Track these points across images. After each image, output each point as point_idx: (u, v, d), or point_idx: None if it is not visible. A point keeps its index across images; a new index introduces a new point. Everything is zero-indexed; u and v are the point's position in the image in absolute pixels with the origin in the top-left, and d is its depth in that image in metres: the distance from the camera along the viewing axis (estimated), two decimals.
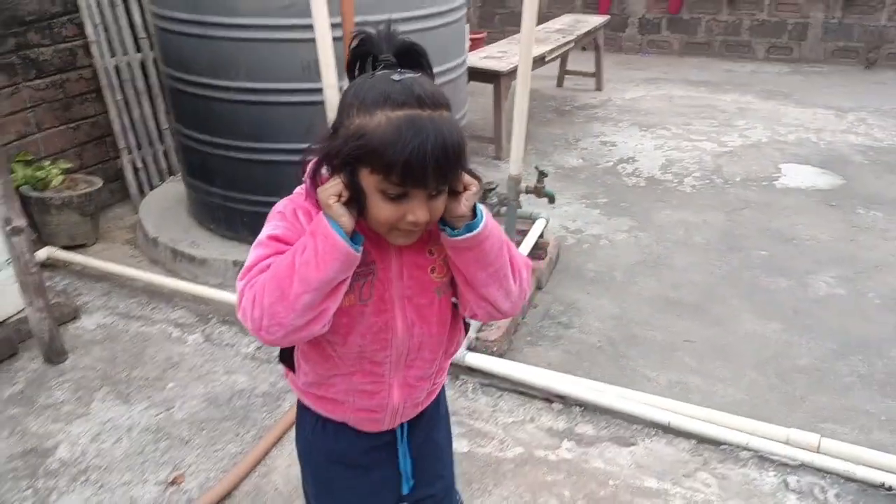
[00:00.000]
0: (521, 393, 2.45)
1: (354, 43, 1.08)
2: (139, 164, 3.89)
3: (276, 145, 3.04)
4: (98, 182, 3.55)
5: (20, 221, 2.44)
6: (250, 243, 3.36)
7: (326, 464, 1.33)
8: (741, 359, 2.63)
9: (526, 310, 2.90)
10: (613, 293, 3.08)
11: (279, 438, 2.26)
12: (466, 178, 1.06)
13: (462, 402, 2.42)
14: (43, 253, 3.23)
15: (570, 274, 3.23)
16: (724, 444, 2.18)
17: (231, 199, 3.20)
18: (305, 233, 1.05)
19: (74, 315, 2.90)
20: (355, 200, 1.03)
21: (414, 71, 1.04)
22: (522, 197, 3.16)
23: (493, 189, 3.24)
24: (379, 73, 1.03)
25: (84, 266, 3.22)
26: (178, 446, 2.26)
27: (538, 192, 2.88)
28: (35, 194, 3.35)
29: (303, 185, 1.11)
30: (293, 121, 3.00)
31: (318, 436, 1.31)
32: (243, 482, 2.11)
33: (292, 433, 2.26)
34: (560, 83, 6.27)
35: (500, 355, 2.59)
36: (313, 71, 2.41)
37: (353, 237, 1.03)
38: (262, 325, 1.05)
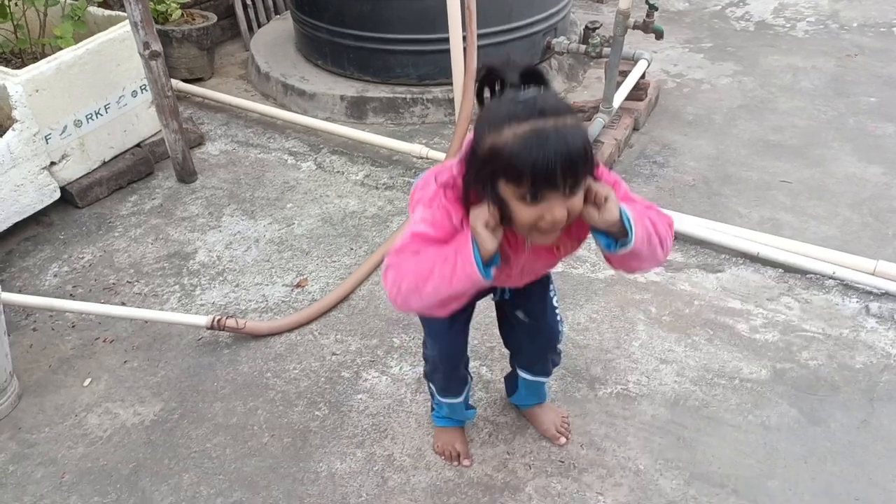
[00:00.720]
0: None
1: (481, 74, 1.20)
2: (248, 1, 4.01)
3: None
4: (213, 17, 3.71)
5: (157, 46, 2.64)
6: (356, 79, 3.60)
7: None
8: (837, 199, 2.66)
9: (621, 149, 2.97)
10: (711, 135, 3.09)
11: None
12: (602, 187, 1.17)
13: None
14: None
15: (668, 116, 3.24)
16: (811, 273, 2.28)
17: (338, 35, 3.31)
18: (450, 229, 1.22)
19: (200, 141, 3.16)
20: (502, 217, 1.17)
21: (536, 87, 1.15)
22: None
23: (597, 29, 3.21)
24: (505, 95, 1.15)
25: (204, 98, 3.44)
26: (299, 256, 2.52)
27: (646, 27, 2.84)
28: (158, 28, 3.52)
29: (446, 170, 1.26)
30: None
31: None
32: (360, 287, 2.36)
33: None
34: None
35: None
36: None
37: (491, 260, 1.18)
38: (397, 302, 1.26)
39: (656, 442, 1.83)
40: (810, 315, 2.16)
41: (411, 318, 2.22)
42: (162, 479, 1.81)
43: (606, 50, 3.00)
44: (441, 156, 2.81)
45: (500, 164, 1.10)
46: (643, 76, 3.16)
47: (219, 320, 2.15)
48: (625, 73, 3.12)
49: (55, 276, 2.47)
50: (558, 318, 1.65)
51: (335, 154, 3.05)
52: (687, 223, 2.48)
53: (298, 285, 2.40)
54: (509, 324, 1.68)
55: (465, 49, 2.71)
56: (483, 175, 1.14)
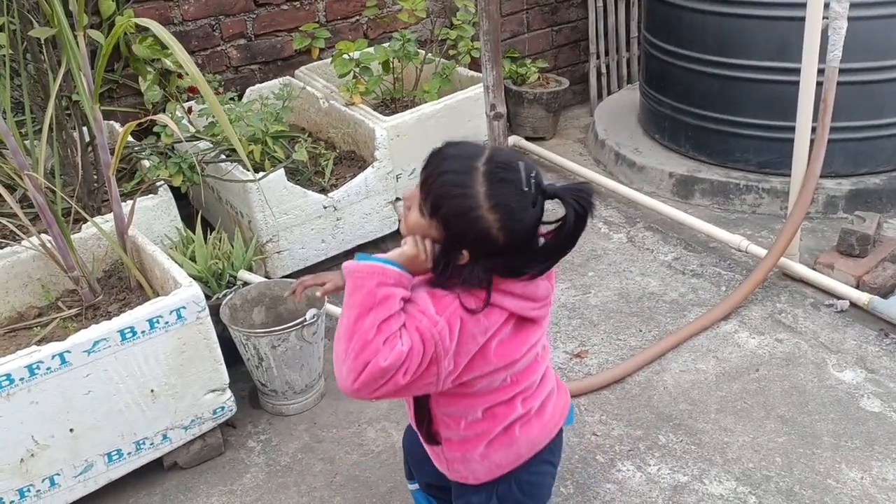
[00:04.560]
0: None
1: None
2: (603, 70, 4.15)
3: (739, 61, 2.99)
4: (565, 82, 3.91)
5: (502, 108, 2.88)
6: (689, 157, 3.56)
7: None
8: None
9: None
10: None
11: (679, 344, 2.37)
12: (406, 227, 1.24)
13: (885, 361, 2.21)
14: (511, 140, 3.74)
15: None
16: None
17: (680, 111, 3.26)
18: None
19: None
20: None
21: None
22: None
23: None
24: None
25: (540, 156, 3.64)
26: (587, 326, 2.53)
27: None
28: (514, 88, 3.85)
29: None
30: (763, 37, 2.91)
31: None
32: (638, 373, 2.29)
33: (692, 342, 2.38)
34: None
35: None
36: None
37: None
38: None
39: None
40: None
41: (683, 419, 2.09)
42: None
43: None
44: (762, 252, 2.59)
45: None
46: None
47: None
48: None
49: None
50: None
51: (649, 230, 3.00)
52: None
53: (578, 355, 2.41)
54: None
55: (812, 141, 2.49)
56: None
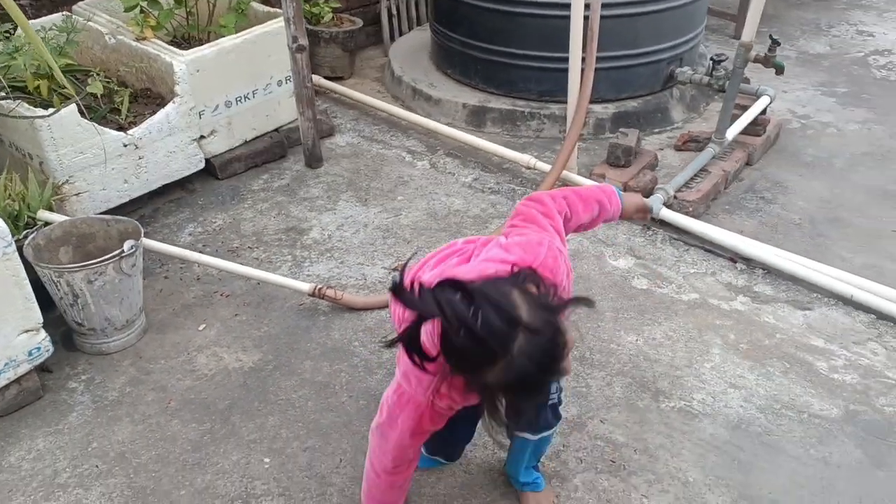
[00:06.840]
0: (708, 251, 2.61)
1: None
2: (394, 12, 4.30)
3: None
4: (359, 22, 4.01)
5: (304, 41, 2.93)
6: (480, 90, 3.87)
7: None
8: None
9: (729, 181, 2.97)
10: (828, 178, 3.03)
11: None
12: None
13: (649, 249, 2.63)
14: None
15: (785, 155, 3.20)
16: None
17: (469, 47, 3.50)
18: None
19: (330, 132, 3.44)
20: None
21: None
22: (752, 76, 3.15)
23: (723, 62, 3.23)
24: None
25: (341, 95, 3.74)
26: (401, 244, 2.71)
27: (767, 60, 2.85)
28: (310, 27, 3.87)
29: None
30: None
31: None
32: None
33: None
34: None
35: (696, 217, 2.73)
36: None
37: None
38: None
39: (710, 459, 1.87)
40: (895, 363, 2.11)
41: None
42: (250, 417, 2.03)
43: (728, 83, 3.02)
44: (547, 167, 2.93)
45: None
46: (763, 112, 3.15)
47: (320, 289, 2.37)
48: (744, 108, 3.12)
49: (190, 234, 2.78)
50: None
51: (449, 157, 3.24)
52: (784, 258, 2.47)
53: (395, 269, 2.59)
54: None
55: (583, 70, 2.83)
56: None
